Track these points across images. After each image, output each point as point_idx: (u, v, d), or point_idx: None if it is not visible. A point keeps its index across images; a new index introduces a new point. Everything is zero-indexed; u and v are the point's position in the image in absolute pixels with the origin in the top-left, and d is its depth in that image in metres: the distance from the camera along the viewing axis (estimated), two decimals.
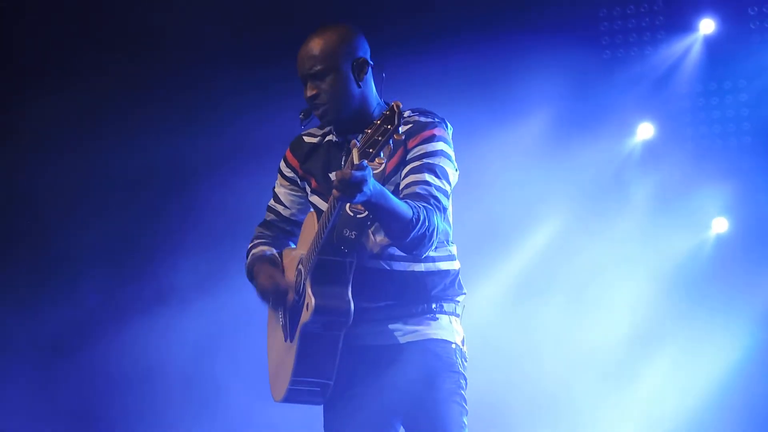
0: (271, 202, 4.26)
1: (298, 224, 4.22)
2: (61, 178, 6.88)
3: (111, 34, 6.87)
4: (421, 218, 3.76)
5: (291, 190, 4.21)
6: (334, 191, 3.63)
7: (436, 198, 3.86)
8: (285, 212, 4.23)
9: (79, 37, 6.83)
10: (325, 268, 3.83)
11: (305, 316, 3.84)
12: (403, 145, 3.91)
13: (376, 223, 3.87)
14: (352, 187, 3.56)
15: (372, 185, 3.62)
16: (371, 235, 3.91)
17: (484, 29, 6.89)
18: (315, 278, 3.84)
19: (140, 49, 6.89)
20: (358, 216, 3.83)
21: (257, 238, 4.26)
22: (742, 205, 6.77)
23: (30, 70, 6.91)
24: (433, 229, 3.80)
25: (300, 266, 3.96)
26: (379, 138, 3.53)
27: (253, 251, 4.21)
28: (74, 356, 6.89)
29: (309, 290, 3.84)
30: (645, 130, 6.97)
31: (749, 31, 6.77)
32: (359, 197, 3.60)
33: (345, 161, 3.97)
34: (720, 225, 6.85)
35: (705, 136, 6.91)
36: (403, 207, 3.73)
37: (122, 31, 6.87)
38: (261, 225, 4.29)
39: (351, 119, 4.01)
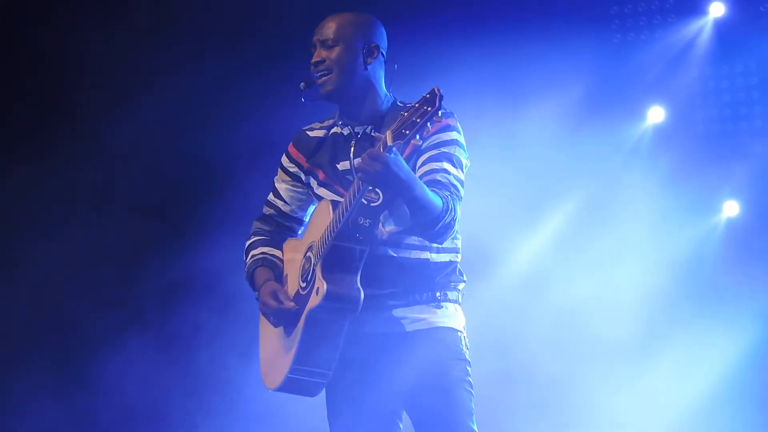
0: (271, 197, 4.24)
1: (298, 220, 4.21)
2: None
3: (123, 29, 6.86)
4: (450, 207, 3.80)
5: (292, 186, 4.18)
6: (360, 173, 3.65)
7: (455, 187, 3.89)
8: (285, 208, 4.21)
9: (90, 33, 6.81)
10: (339, 254, 3.82)
11: (314, 300, 3.83)
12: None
13: (386, 212, 3.88)
14: (379, 167, 3.59)
15: (405, 171, 3.66)
16: (380, 223, 3.91)
17: (492, 14, 6.87)
18: (326, 264, 3.83)
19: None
20: (372, 204, 3.82)
21: (255, 234, 4.23)
22: (753, 188, 6.76)
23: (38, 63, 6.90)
24: (457, 218, 3.84)
25: (309, 253, 3.95)
26: (417, 120, 3.54)
27: (252, 252, 4.18)
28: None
29: (320, 275, 3.82)
30: (655, 114, 6.97)
31: (759, 14, 6.75)
32: (386, 180, 3.63)
33: (353, 152, 3.98)
34: (731, 208, 6.85)
35: (715, 119, 6.91)
36: (434, 197, 3.76)
37: (133, 25, 6.86)
38: (259, 219, 4.26)
39: (355, 104, 4.01)
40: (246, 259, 4.19)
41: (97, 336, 6.85)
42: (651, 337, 6.78)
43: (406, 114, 3.57)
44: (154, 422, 6.88)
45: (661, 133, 6.95)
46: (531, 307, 6.88)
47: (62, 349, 6.88)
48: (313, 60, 4.00)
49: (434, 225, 3.78)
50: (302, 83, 4.05)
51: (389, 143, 3.59)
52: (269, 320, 4.03)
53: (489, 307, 6.64)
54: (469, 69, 6.68)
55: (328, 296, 3.79)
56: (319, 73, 3.99)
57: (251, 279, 4.14)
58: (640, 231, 6.85)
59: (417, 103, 3.57)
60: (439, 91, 3.54)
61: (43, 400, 6.77)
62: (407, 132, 3.56)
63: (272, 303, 3.99)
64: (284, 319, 3.97)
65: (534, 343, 6.82)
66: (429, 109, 3.54)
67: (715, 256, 6.80)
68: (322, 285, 3.80)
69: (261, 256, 4.15)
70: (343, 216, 3.78)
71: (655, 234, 6.85)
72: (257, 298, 4.08)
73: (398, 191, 3.70)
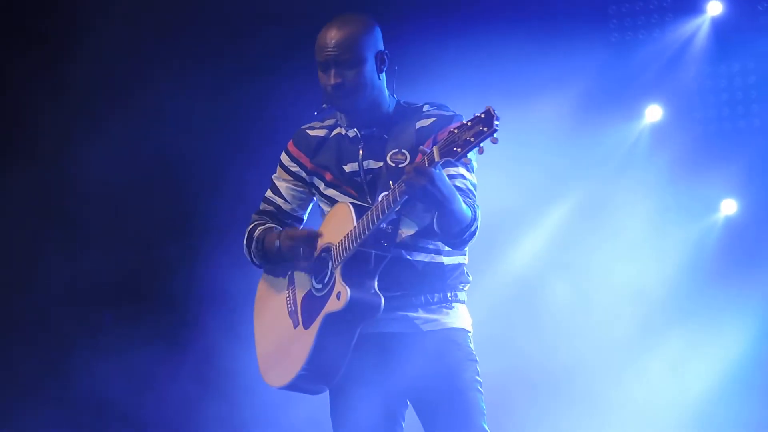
0: (270, 194, 4.21)
1: (298, 219, 4.20)
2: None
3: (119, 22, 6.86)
4: (476, 216, 3.84)
5: (294, 185, 4.16)
6: (401, 184, 3.64)
7: (473, 192, 3.92)
8: (285, 206, 4.19)
9: (90, 33, 6.81)
10: (362, 260, 3.83)
11: (335, 305, 3.84)
12: (432, 138, 3.90)
13: (402, 216, 3.90)
14: (424, 182, 3.59)
15: (447, 186, 3.66)
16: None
17: (489, 14, 6.88)
18: (347, 269, 3.84)
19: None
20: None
21: (256, 221, 4.20)
22: (751, 187, 6.76)
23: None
24: (480, 225, 3.87)
25: (324, 254, 3.94)
26: (471, 139, 3.51)
27: (258, 228, 4.14)
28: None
29: (340, 280, 3.83)
30: (653, 113, 6.97)
31: (757, 12, 6.74)
32: (430, 195, 3.63)
33: (361, 154, 3.99)
34: (729, 207, 6.86)
35: (713, 118, 6.90)
36: (465, 208, 3.77)
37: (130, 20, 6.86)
38: (258, 213, 4.22)
39: (365, 111, 4.00)
40: (252, 234, 4.13)
41: (97, 336, 6.86)
42: (649, 335, 6.78)
43: (455, 131, 3.55)
44: (156, 422, 6.90)
45: (658, 131, 6.95)
46: (529, 306, 6.88)
47: (62, 351, 6.88)
48: (330, 83, 3.92)
49: (462, 234, 3.82)
50: (325, 105, 3.98)
51: (437, 159, 3.57)
52: (299, 253, 3.96)
53: (489, 305, 6.64)
54: (466, 69, 6.67)
55: (351, 301, 3.81)
56: (340, 96, 3.94)
57: (261, 244, 4.09)
58: (638, 229, 6.85)
59: (469, 121, 3.53)
60: (494, 111, 3.50)
61: (42, 402, 6.78)
62: (459, 150, 3.53)
63: (299, 234, 3.97)
64: (313, 252, 3.93)
65: (532, 342, 6.82)
66: (484, 129, 3.50)
67: (713, 254, 6.80)
68: (344, 290, 3.82)
69: (267, 228, 4.12)
70: (373, 224, 3.77)
71: (653, 232, 6.85)
72: (278, 250, 4.03)
73: (438, 206, 3.71)
